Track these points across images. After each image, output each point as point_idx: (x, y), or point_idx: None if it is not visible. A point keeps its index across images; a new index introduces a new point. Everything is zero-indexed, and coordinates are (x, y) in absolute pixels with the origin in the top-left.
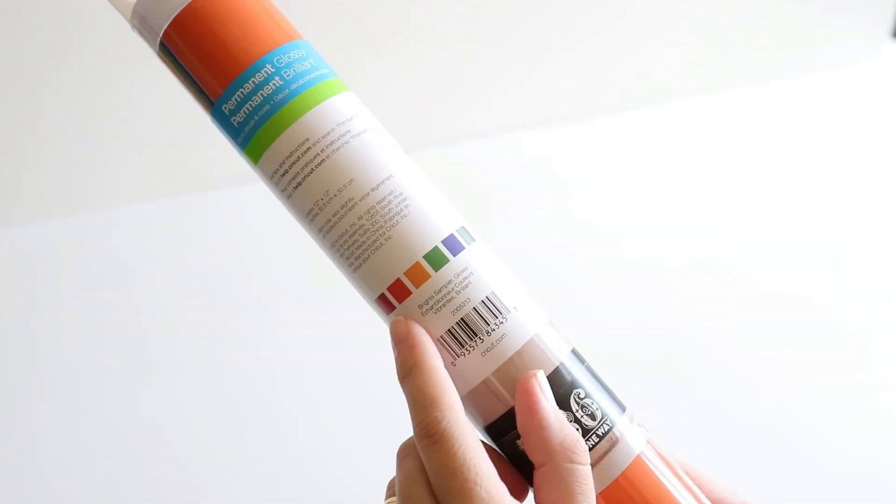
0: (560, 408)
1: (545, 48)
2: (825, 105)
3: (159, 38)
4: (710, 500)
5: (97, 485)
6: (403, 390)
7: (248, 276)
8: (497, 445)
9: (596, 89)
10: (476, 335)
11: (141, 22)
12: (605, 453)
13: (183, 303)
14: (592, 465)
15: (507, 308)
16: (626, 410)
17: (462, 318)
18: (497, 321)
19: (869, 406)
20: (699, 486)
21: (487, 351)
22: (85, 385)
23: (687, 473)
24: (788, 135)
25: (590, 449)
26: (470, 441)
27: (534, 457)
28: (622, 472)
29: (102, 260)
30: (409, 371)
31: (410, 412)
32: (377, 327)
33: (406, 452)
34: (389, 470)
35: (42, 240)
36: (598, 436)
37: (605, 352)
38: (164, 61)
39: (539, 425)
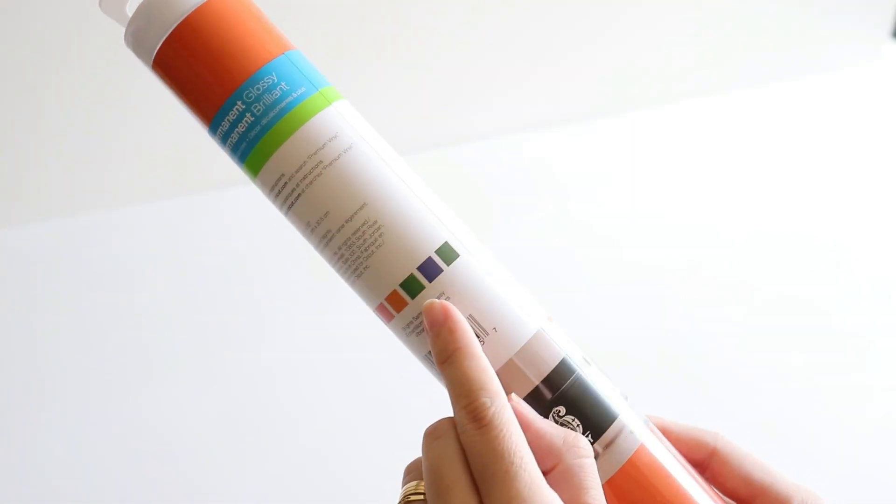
0: None
1: (546, 50)
2: (826, 107)
3: (151, 64)
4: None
5: (97, 485)
6: (443, 374)
7: (249, 278)
8: None
9: (596, 91)
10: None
11: (137, 48)
12: (604, 450)
13: (183, 304)
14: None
15: (484, 331)
16: (621, 413)
17: None
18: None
19: (870, 407)
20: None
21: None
22: (85, 386)
23: (718, 448)
24: (789, 137)
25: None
26: (515, 428)
27: (542, 465)
28: (622, 465)
29: (102, 260)
30: (451, 355)
31: (453, 396)
32: (377, 328)
33: (438, 434)
34: (390, 470)
35: (42, 240)
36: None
37: (605, 353)
38: (160, 78)
39: (536, 436)
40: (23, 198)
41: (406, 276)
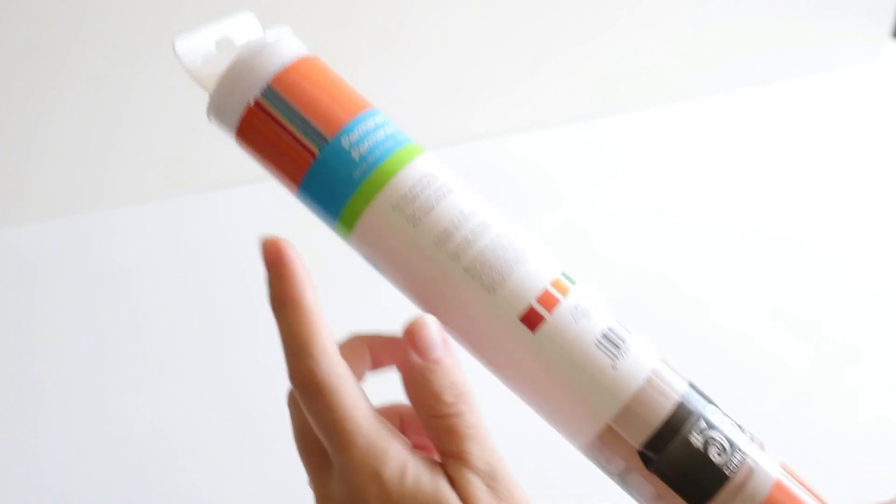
0: (682, 441)
1: (542, 51)
2: (826, 106)
3: (266, 85)
4: None
5: (97, 485)
6: (276, 323)
7: (249, 278)
8: (663, 452)
9: (595, 91)
10: (629, 333)
11: (238, 79)
12: (743, 484)
13: (183, 304)
14: (733, 497)
15: (628, 332)
16: (754, 438)
17: (612, 325)
18: (631, 330)
19: (865, 408)
20: None
21: (647, 350)
22: (85, 386)
23: None
24: (789, 137)
25: (726, 480)
26: (347, 388)
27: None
28: (762, 501)
29: (102, 260)
30: (281, 305)
31: (284, 355)
32: (376, 329)
33: (289, 405)
34: None
35: (42, 240)
36: (731, 468)
37: None
38: (255, 121)
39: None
40: (23, 198)
41: (561, 271)
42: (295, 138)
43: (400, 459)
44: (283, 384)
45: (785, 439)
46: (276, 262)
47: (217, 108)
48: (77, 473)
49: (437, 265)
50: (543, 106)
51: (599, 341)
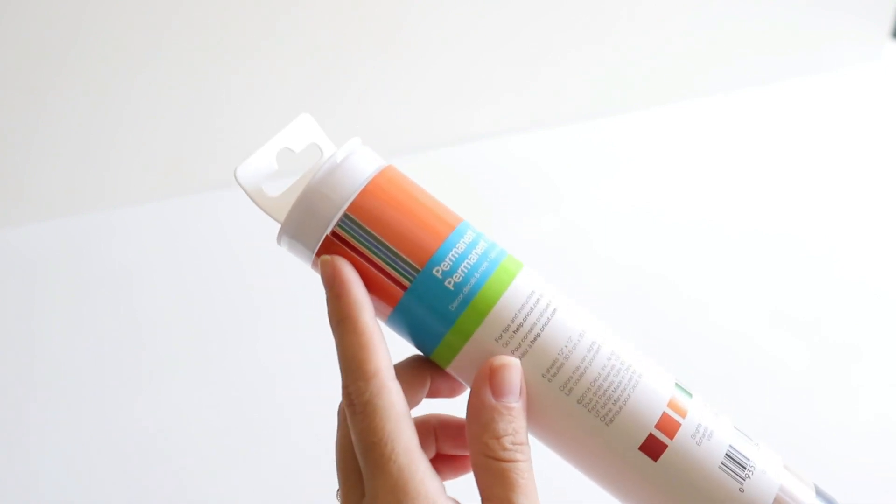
0: None
1: (542, 51)
2: (826, 106)
3: (343, 214)
4: None
5: (95, 485)
6: (334, 340)
7: (249, 278)
8: None
9: (595, 91)
10: (751, 442)
11: (310, 209)
12: None
13: (183, 304)
14: None
15: (754, 443)
16: None
17: (733, 441)
18: (756, 440)
19: (866, 407)
20: None
21: (770, 461)
22: (84, 386)
23: None
24: (789, 137)
25: None
26: (392, 413)
27: (473, 441)
28: None
29: (102, 260)
30: (337, 324)
31: (340, 372)
32: None
33: (339, 417)
34: None
35: (42, 240)
36: None
37: None
38: (334, 251)
39: (478, 413)
40: (23, 198)
41: (674, 382)
42: (380, 269)
43: (429, 499)
44: (282, 384)
45: (785, 439)
46: (333, 282)
47: (290, 239)
48: (76, 473)
49: (548, 397)
50: (543, 106)
51: (724, 464)
